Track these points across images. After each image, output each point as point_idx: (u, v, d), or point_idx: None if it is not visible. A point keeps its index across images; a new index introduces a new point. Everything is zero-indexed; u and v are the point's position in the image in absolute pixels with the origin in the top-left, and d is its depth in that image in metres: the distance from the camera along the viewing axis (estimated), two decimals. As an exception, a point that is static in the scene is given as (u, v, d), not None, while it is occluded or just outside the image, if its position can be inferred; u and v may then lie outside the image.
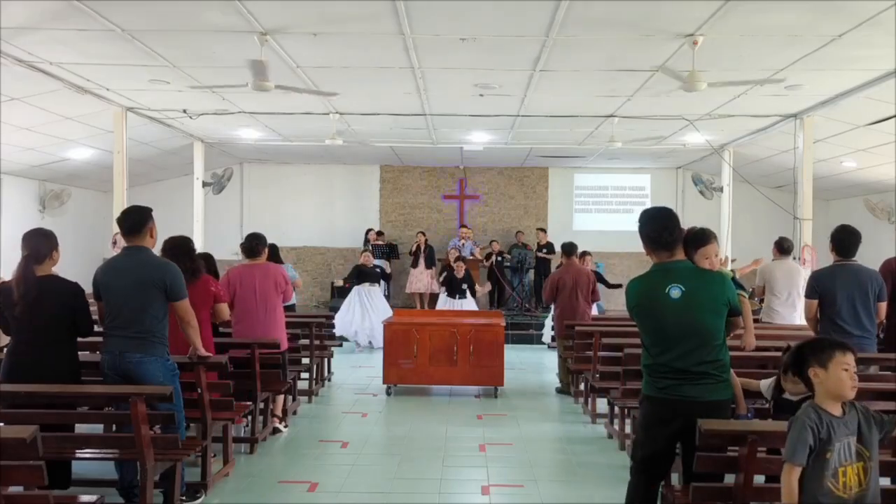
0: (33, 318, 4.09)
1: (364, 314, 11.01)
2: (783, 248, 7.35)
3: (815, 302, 5.20)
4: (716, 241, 3.70)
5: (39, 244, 4.19)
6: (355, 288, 11.25)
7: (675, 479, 3.81)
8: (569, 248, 8.40)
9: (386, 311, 11.09)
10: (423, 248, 13.51)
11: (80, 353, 4.41)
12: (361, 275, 11.21)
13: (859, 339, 5.07)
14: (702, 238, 3.64)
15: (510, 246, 14.37)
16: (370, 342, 11.06)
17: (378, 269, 11.54)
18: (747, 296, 5.29)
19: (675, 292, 3.30)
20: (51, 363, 4.12)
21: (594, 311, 9.03)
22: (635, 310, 3.49)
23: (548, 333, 11.20)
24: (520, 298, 13.90)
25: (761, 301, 7.57)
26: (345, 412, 7.18)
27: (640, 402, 3.62)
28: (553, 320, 8.89)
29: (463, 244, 13.39)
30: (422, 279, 13.39)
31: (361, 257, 11.48)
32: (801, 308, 6.33)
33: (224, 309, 5.33)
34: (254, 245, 6.18)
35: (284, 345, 6.27)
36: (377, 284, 11.34)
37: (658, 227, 3.41)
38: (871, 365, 5.13)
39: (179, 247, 5.10)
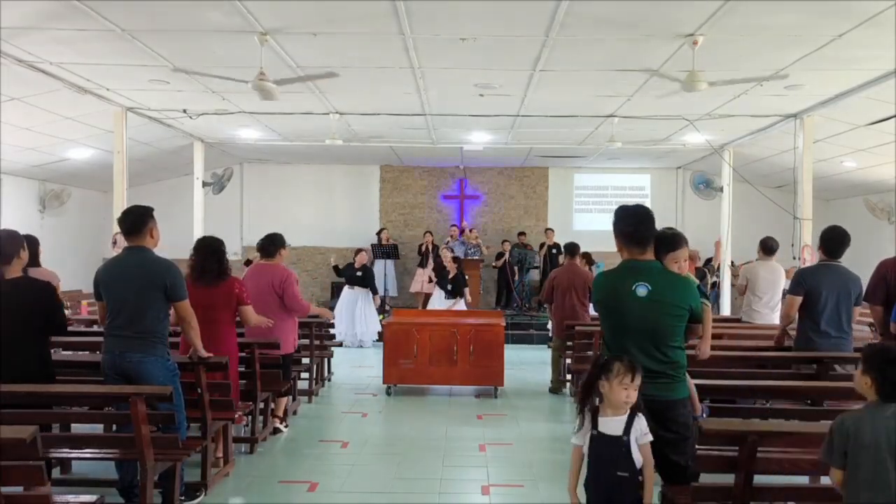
0: (1, 319, 4.00)
1: (350, 318, 11.37)
2: (767, 248, 7.34)
3: (800, 299, 5.23)
4: (686, 247, 3.68)
5: (3, 245, 4.11)
6: (344, 290, 11.43)
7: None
8: (571, 249, 8.44)
9: (369, 314, 11.25)
10: (430, 248, 13.52)
11: (80, 353, 4.42)
12: (346, 277, 11.45)
13: (836, 340, 5.19)
14: (673, 242, 3.61)
15: (511, 246, 14.39)
16: (360, 343, 11.46)
17: (359, 274, 11.52)
18: (709, 304, 5.32)
19: (642, 290, 3.30)
20: (21, 363, 4.03)
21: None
22: (600, 304, 3.54)
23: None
24: (520, 298, 13.91)
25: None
26: (345, 412, 7.18)
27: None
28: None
29: (448, 242, 13.36)
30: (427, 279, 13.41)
31: (357, 256, 11.53)
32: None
33: (248, 312, 5.29)
34: (264, 244, 6.29)
35: (289, 348, 6.19)
36: (363, 288, 11.44)
37: (634, 222, 3.42)
38: (846, 364, 5.18)
39: (207, 247, 5.22)
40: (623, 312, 3.35)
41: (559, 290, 8.16)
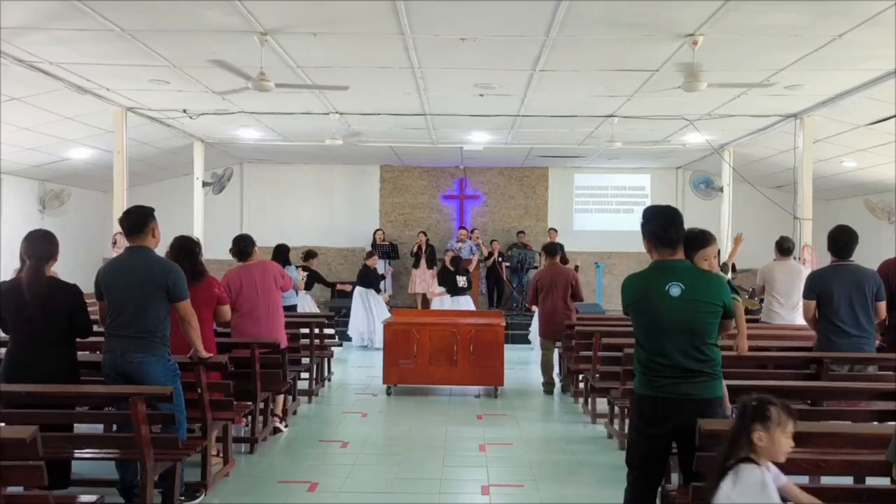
0: (36, 318, 4.11)
1: (366, 316, 11.29)
2: (783, 248, 7.28)
3: (813, 303, 5.21)
4: (715, 244, 3.75)
5: (48, 247, 4.24)
6: (357, 290, 11.35)
7: (675, 479, 3.81)
8: (550, 249, 8.53)
9: (384, 314, 11.23)
10: (424, 248, 13.53)
11: (79, 352, 4.43)
12: (369, 278, 11.37)
13: (857, 339, 5.10)
14: (702, 240, 3.69)
15: (510, 245, 14.40)
16: (370, 341, 11.32)
17: (382, 276, 11.61)
18: (741, 300, 5.29)
19: (675, 290, 3.32)
20: (51, 363, 4.15)
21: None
22: (632, 306, 3.49)
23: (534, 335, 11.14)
24: (520, 298, 13.92)
25: (762, 300, 7.53)
26: (345, 412, 7.18)
27: (632, 402, 3.63)
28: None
29: (460, 247, 13.37)
30: (423, 279, 13.42)
31: (370, 260, 11.52)
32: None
33: (226, 311, 5.38)
34: (242, 247, 6.26)
35: (284, 343, 6.30)
36: (379, 289, 11.52)
37: (665, 223, 3.43)
38: (868, 365, 5.14)
39: (182, 248, 5.17)
40: (658, 313, 3.35)
41: (542, 290, 8.21)
